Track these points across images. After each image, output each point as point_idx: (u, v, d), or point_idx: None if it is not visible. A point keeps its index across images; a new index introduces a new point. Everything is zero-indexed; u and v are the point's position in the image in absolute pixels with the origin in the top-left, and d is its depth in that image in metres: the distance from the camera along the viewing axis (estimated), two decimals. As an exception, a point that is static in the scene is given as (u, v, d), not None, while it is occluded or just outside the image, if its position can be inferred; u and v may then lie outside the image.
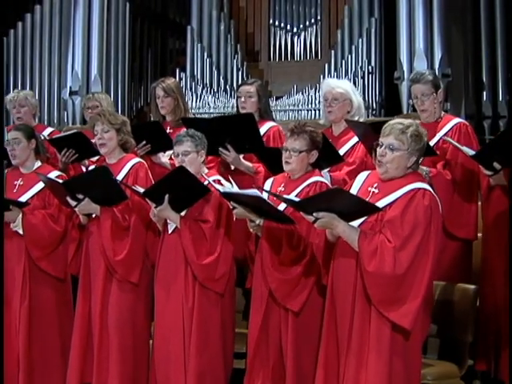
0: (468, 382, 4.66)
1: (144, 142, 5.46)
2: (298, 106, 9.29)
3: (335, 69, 9.20)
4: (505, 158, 4.57)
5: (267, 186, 4.73)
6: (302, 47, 9.73)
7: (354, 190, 4.14)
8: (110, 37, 9.64)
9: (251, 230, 4.59)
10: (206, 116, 8.86)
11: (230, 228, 4.77)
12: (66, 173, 5.52)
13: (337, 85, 5.37)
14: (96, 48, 9.54)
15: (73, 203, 4.95)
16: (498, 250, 4.79)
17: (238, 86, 5.86)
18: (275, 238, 4.52)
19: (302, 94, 9.34)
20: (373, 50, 9.12)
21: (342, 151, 5.18)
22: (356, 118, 5.28)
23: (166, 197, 4.65)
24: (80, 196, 4.93)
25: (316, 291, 4.46)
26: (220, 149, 5.27)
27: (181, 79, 9.52)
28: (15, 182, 5.33)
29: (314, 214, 3.97)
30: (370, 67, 9.06)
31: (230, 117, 6.16)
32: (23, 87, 9.73)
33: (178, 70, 9.79)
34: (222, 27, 9.80)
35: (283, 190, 4.58)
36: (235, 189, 4.53)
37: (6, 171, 5.46)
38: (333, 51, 9.35)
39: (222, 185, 4.67)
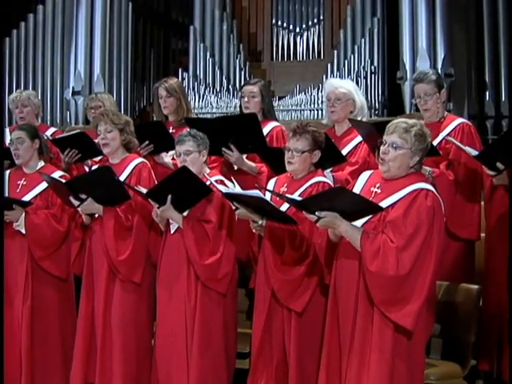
0: (471, 381, 4.66)
1: (147, 142, 5.46)
2: (300, 105, 9.30)
3: (338, 69, 9.20)
4: (508, 158, 4.57)
5: (270, 185, 4.72)
6: (304, 47, 9.73)
7: (356, 190, 4.13)
8: (112, 37, 9.65)
9: (254, 230, 4.59)
10: (209, 116, 8.87)
11: (233, 228, 4.77)
12: (68, 173, 5.52)
13: (340, 85, 5.37)
14: (99, 48, 9.55)
15: (76, 203, 4.95)
16: (501, 250, 4.78)
17: (242, 86, 5.86)
18: (278, 238, 4.51)
19: (305, 93, 9.35)
20: (375, 49, 9.12)
21: (344, 151, 5.17)
22: (359, 118, 5.28)
23: (169, 197, 4.65)
24: (83, 196, 4.93)
25: (319, 291, 4.45)
26: (223, 149, 5.27)
27: (183, 79, 9.53)
28: (18, 182, 5.33)
29: (317, 214, 3.96)
30: (372, 67, 9.07)
31: (233, 117, 6.16)
32: (26, 87, 9.73)
33: (180, 70, 9.80)
34: (225, 27, 9.81)
35: (286, 190, 4.58)
36: (237, 189, 4.52)
37: (9, 171, 5.47)
38: (335, 51, 9.36)
39: (224, 185, 4.67)
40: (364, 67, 9.08)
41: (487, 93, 8.50)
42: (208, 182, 4.74)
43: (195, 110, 8.75)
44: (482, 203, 5.11)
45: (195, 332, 4.67)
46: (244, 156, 5.36)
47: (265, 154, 5.24)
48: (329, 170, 4.95)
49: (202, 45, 9.75)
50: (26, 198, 5.23)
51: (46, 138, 5.68)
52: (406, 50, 8.44)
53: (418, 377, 4.00)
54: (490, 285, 4.89)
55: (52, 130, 6.47)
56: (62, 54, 9.79)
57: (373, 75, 9.05)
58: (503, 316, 4.73)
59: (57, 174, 5.27)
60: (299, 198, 4.23)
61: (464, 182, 5.02)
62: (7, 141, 5.98)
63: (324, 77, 9.05)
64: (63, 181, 5.11)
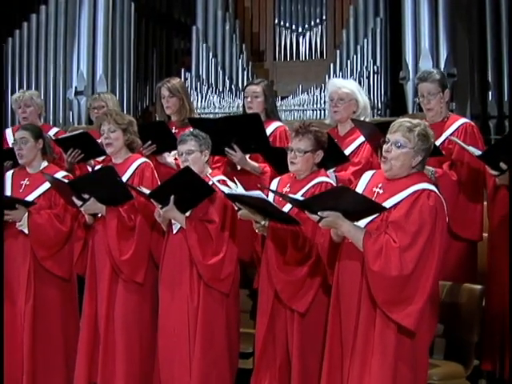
0: (474, 381, 4.66)
1: (149, 142, 5.46)
2: (303, 105, 9.29)
3: (340, 69, 9.19)
4: (511, 157, 4.56)
5: (273, 185, 4.72)
6: (307, 47, 9.73)
7: (358, 190, 4.12)
8: (115, 37, 9.65)
9: (257, 230, 4.59)
10: (211, 116, 8.88)
11: (235, 228, 4.78)
12: (71, 173, 5.52)
13: (343, 85, 5.37)
14: (101, 48, 9.55)
15: (79, 203, 4.96)
16: (504, 249, 4.77)
17: (245, 86, 5.86)
18: (280, 239, 4.51)
19: (307, 93, 9.34)
20: (378, 49, 9.12)
21: (347, 151, 5.17)
22: (362, 118, 5.28)
23: (172, 198, 4.66)
24: (86, 196, 4.93)
25: (322, 292, 4.45)
26: (226, 149, 5.27)
27: (186, 79, 9.52)
28: (22, 182, 5.33)
29: (319, 213, 3.95)
30: (375, 67, 9.06)
31: (237, 117, 6.16)
32: (29, 87, 9.73)
33: (183, 70, 9.80)
34: (227, 27, 9.81)
35: (289, 190, 4.58)
36: (240, 190, 4.52)
37: (12, 171, 5.48)
38: (338, 51, 9.35)
39: (226, 185, 4.67)
40: (367, 67, 9.07)
41: (490, 93, 8.49)
42: (210, 182, 4.74)
43: (198, 110, 8.76)
44: (485, 203, 5.11)
45: (198, 332, 4.68)
46: (247, 156, 5.36)
47: (268, 154, 5.25)
48: (332, 170, 4.95)
49: (204, 45, 9.75)
50: (29, 198, 5.24)
51: (49, 137, 5.68)
52: (409, 50, 8.43)
53: (422, 378, 3.99)
54: (493, 285, 4.89)
55: (55, 130, 6.48)
56: (65, 54, 9.79)
57: (375, 75, 9.05)
58: (505, 316, 4.73)
59: (60, 174, 5.27)
60: (301, 198, 4.22)
61: (467, 181, 5.02)
62: (10, 141, 6.01)
63: (326, 77, 9.05)
64: (66, 181, 5.12)
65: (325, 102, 8.74)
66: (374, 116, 8.39)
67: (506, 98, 8.40)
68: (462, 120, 5.20)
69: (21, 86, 9.82)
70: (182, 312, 4.73)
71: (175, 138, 5.15)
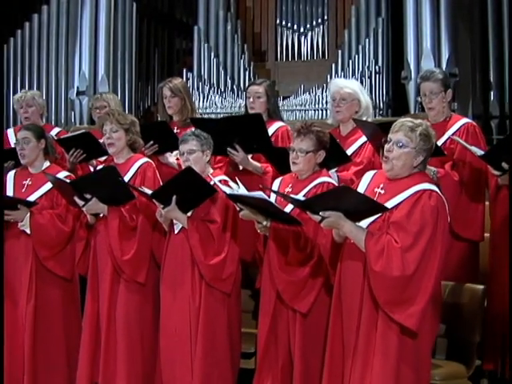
0: (475, 381, 4.66)
1: (151, 142, 5.46)
2: (305, 105, 9.29)
3: (342, 69, 9.19)
4: (513, 158, 4.57)
5: (275, 186, 4.72)
6: (308, 47, 9.72)
7: (359, 191, 4.11)
8: (116, 37, 9.65)
9: (258, 231, 4.59)
10: (213, 116, 8.88)
11: (237, 228, 4.78)
12: (73, 173, 5.52)
13: (345, 85, 5.37)
14: (103, 48, 9.56)
15: (80, 203, 4.96)
16: (506, 249, 4.78)
17: (247, 87, 5.86)
18: (282, 239, 4.51)
19: (309, 93, 9.33)
20: (380, 49, 9.11)
21: (349, 151, 5.17)
22: (364, 118, 5.27)
23: (174, 198, 4.66)
24: (88, 196, 4.93)
25: (324, 292, 4.44)
26: (228, 149, 5.27)
27: (188, 79, 9.52)
28: (24, 182, 5.33)
29: (321, 213, 3.95)
30: (377, 67, 9.05)
31: (239, 117, 6.16)
32: (30, 87, 9.74)
33: (184, 70, 9.79)
34: (229, 27, 9.80)
35: (291, 190, 4.57)
36: (241, 190, 4.51)
37: (14, 171, 5.48)
38: (340, 51, 9.35)
39: (227, 185, 4.67)
40: (368, 67, 9.07)
41: (492, 93, 8.48)
42: (212, 182, 4.74)
43: (199, 110, 8.75)
44: (487, 203, 5.11)
45: (199, 332, 4.67)
46: (249, 156, 5.36)
47: (270, 154, 5.25)
48: (333, 170, 4.95)
49: (206, 45, 9.75)
50: (31, 198, 5.24)
51: (51, 137, 5.68)
52: (411, 50, 8.43)
53: (424, 378, 3.99)
54: (495, 285, 4.89)
55: (56, 130, 6.48)
56: (67, 54, 9.79)
57: (377, 75, 9.04)
58: (506, 316, 4.73)
59: (62, 175, 5.27)
60: (303, 199, 4.22)
61: (469, 181, 5.02)
62: (12, 141, 6.02)
63: (328, 77, 9.05)
64: (68, 181, 5.12)
65: (327, 101, 8.78)
66: (375, 116, 8.38)
67: (507, 98, 8.39)
68: (464, 120, 5.20)
69: (23, 86, 9.82)
70: (184, 312, 4.73)
71: (177, 138, 5.15)
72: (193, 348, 4.69)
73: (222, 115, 8.82)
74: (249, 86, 5.82)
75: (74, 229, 5.23)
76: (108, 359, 4.93)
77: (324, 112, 9.01)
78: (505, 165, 4.63)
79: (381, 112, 8.93)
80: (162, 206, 4.72)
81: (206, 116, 8.62)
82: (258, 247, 4.76)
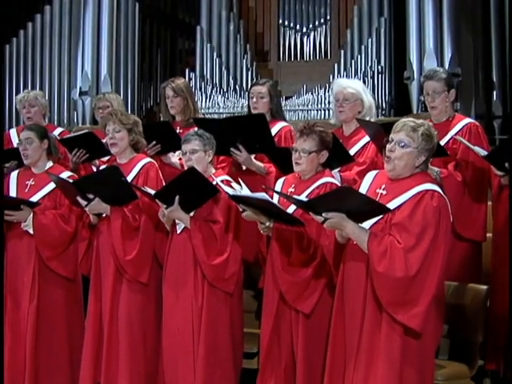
0: (478, 380, 4.65)
1: (154, 142, 5.46)
2: (307, 105, 9.29)
3: (345, 69, 9.19)
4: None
5: (278, 186, 4.72)
6: (311, 47, 9.72)
7: (361, 191, 4.10)
8: (119, 37, 9.66)
9: (261, 231, 4.58)
10: (216, 116, 8.89)
11: (239, 228, 4.78)
12: (76, 173, 5.53)
13: (348, 85, 5.37)
14: (106, 48, 9.56)
15: (83, 203, 4.96)
16: (507, 249, 4.78)
17: (250, 87, 5.85)
18: (285, 240, 4.51)
19: (312, 93, 9.34)
20: (382, 49, 9.11)
21: (352, 151, 5.17)
22: (367, 118, 5.27)
23: (177, 198, 4.66)
24: (90, 196, 4.94)
25: (327, 293, 4.44)
26: (231, 149, 5.27)
27: (190, 79, 9.53)
28: (27, 182, 5.33)
29: (323, 214, 3.94)
30: (379, 67, 9.05)
31: (242, 117, 6.16)
32: (33, 87, 9.74)
33: (187, 70, 9.79)
34: (232, 27, 9.80)
35: (293, 190, 4.57)
36: (244, 191, 4.51)
37: (18, 171, 5.48)
38: (342, 51, 9.35)
39: (229, 185, 4.67)
40: (371, 67, 9.07)
41: (494, 92, 8.48)
42: (214, 182, 4.74)
43: (202, 110, 8.77)
44: (490, 203, 5.10)
45: (202, 331, 4.68)
46: (252, 156, 5.36)
47: (273, 154, 5.25)
48: (336, 170, 4.95)
49: (208, 45, 9.75)
50: (35, 198, 5.24)
51: (54, 137, 5.68)
52: (413, 50, 8.43)
53: (428, 379, 3.98)
54: (497, 285, 4.89)
55: (59, 130, 6.49)
56: (69, 54, 9.80)
57: (380, 75, 9.04)
58: (507, 315, 4.73)
59: (65, 175, 5.28)
60: (305, 199, 4.21)
61: (471, 181, 5.02)
62: (15, 141, 6.02)
63: (331, 77, 9.05)
64: (71, 181, 5.12)
65: (329, 101, 8.77)
66: (378, 116, 8.37)
67: (510, 98, 8.38)
68: (467, 120, 5.20)
69: (25, 87, 9.83)
70: (186, 312, 4.73)
71: (179, 138, 5.15)
72: (195, 348, 4.69)
73: (224, 115, 8.84)
74: (252, 86, 5.81)
75: (77, 229, 5.24)
76: (110, 359, 4.94)
77: (327, 112, 9.01)
78: (507, 165, 4.63)
79: (383, 112, 8.92)
80: (164, 206, 4.72)
81: (208, 116, 8.63)
82: (260, 247, 4.75)
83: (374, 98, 8.49)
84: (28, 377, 5.14)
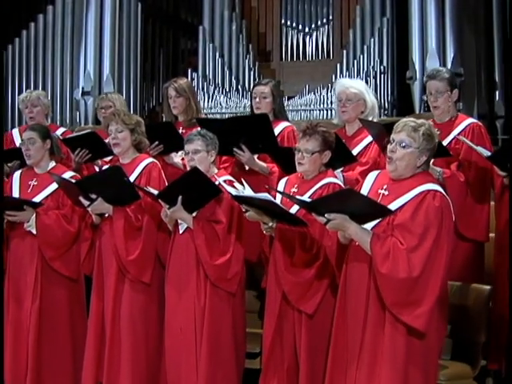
0: (481, 380, 4.65)
1: (156, 143, 5.47)
2: (310, 105, 9.28)
3: (347, 69, 9.18)
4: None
5: (280, 186, 4.72)
6: (313, 47, 9.71)
7: (363, 192, 4.10)
8: (121, 37, 9.65)
9: (264, 232, 4.59)
10: (218, 116, 8.88)
11: (242, 228, 4.78)
12: (79, 173, 5.53)
13: (351, 85, 5.36)
14: (108, 48, 9.56)
15: (86, 203, 4.96)
16: (507, 250, 4.78)
17: (253, 87, 5.85)
18: (288, 240, 4.51)
19: (314, 93, 9.32)
20: (385, 49, 9.09)
21: (355, 151, 5.17)
22: (370, 118, 5.27)
23: (180, 198, 4.66)
24: (93, 196, 4.94)
25: (330, 293, 4.43)
26: (234, 149, 5.27)
27: (193, 79, 9.51)
28: (29, 182, 5.34)
29: (326, 215, 3.94)
30: (381, 67, 9.04)
31: (245, 117, 6.16)
32: (35, 87, 9.73)
33: (189, 70, 9.79)
34: (234, 27, 9.79)
35: (296, 190, 4.57)
36: (247, 191, 4.51)
37: (20, 171, 5.48)
38: (345, 51, 9.33)
39: (232, 185, 4.67)
40: (373, 67, 9.05)
41: (497, 92, 8.47)
42: (216, 183, 4.74)
43: (204, 110, 8.76)
44: (493, 203, 5.10)
45: (204, 331, 4.68)
46: (255, 156, 5.36)
47: (276, 154, 5.25)
48: (339, 170, 4.95)
49: (211, 45, 9.74)
50: (37, 199, 5.24)
51: (57, 137, 5.69)
52: (416, 50, 8.42)
53: (432, 380, 3.98)
54: (499, 285, 4.89)
55: (61, 130, 6.48)
56: (72, 54, 9.79)
57: (382, 75, 9.03)
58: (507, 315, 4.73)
59: (67, 175, 5.28)
60: (308, 200, 4.22)
61: (474, 181, 5.02)
62: (17, 141, 6.03)
63: (333, 77, 9.05)
64: (73, 181, 5.12)
65: (331, 101, 8.77)
66: (380, 116, 8.37)
67: (512, 98, 8.39)
68: (470, 120, 5.20)
69: (28, 87, 9.82)
70: (189, 312, 4.73)
71: (182, 139, 5.16)
72: (198, 348, 4.70)
73: (226, 115, 8.84)
74: (254, 86, 5.82)
75: (80, 229, 5.24)
76: (112, 359, 4.94)
77: (329, 112, 9.00)
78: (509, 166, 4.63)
79: (386, 112, 8.91)
80: (167, 206, 4.73)
81: (210, 116, 8.63)
82: (263, 248, 4.75)
83: (377, 98, 8.50)
84: (30, 377, 5.15)
